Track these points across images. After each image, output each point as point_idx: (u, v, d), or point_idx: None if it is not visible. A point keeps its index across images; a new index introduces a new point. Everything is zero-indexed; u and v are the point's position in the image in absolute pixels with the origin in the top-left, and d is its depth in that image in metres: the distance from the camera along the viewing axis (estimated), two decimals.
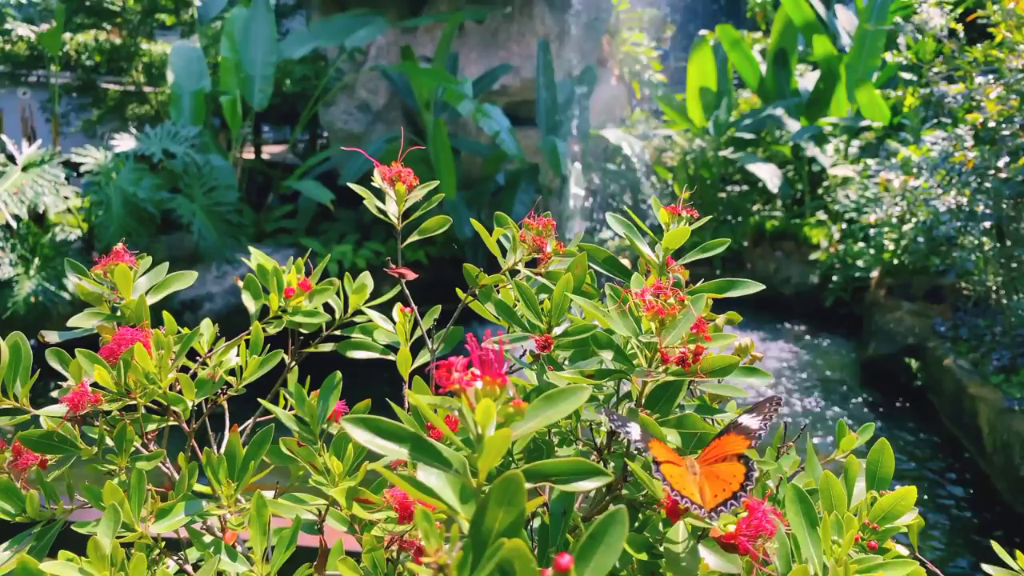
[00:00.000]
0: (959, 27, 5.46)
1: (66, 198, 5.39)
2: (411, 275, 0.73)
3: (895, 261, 5.74)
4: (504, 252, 0.69)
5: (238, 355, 0.68)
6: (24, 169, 5.13)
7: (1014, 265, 4.22)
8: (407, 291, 0.73)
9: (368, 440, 0.33)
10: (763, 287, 0.64)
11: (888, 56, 6.16)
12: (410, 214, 0.73)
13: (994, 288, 4.59)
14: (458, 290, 0.72)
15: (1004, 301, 4.43)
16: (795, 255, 7.16)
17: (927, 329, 5.21)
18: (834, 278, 6.55)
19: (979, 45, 4.36)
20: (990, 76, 4.17)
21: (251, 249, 0.70)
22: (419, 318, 0.73)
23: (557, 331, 0.60)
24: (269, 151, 8.87)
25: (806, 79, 8.33)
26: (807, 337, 6.47)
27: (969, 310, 5.05)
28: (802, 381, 5.43)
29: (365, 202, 0.69)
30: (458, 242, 6.53)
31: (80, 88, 7.38)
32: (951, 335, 4.94)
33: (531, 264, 0.68)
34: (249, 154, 7.91)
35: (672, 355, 0.51)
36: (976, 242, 4.45)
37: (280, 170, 7.31)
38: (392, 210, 0.70)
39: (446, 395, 0.33)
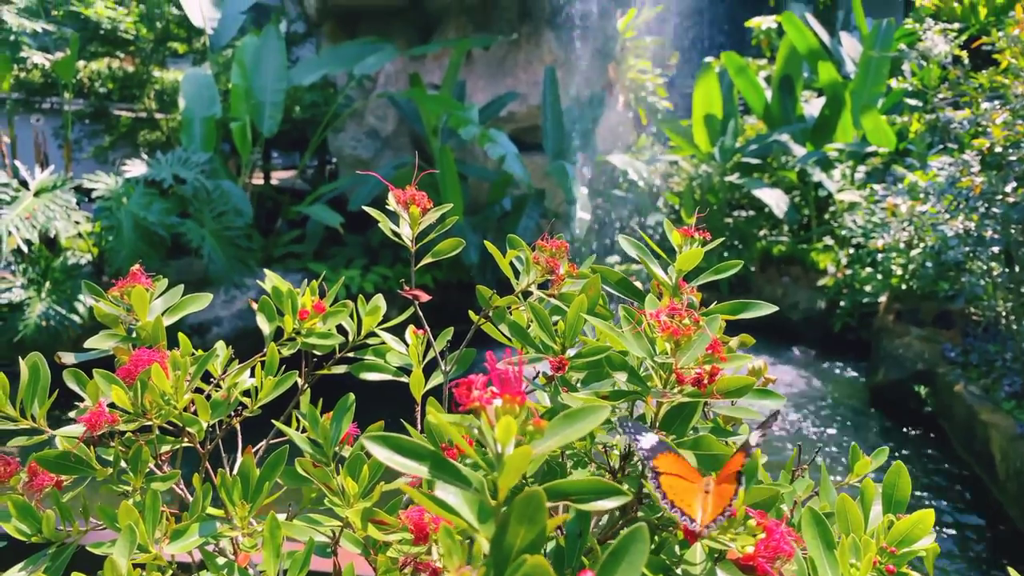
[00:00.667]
0: (964, 54, 5.50)
1: (77, 223, 5.44)
2: (425, 297, 0.73)
3: (903, 286, 5.72)
4: (517, 274, 0.69)
5: (252, 376, 0.68)
6: (36, 194, 5.18)
7: (1023, 289, 4.20)
8: (420, 313, 0.73)
9: (388, 458, 0.33)
10: (776, 308, 0.65)
11: (893, 82, 6.21)
12: (422, 237, 0.74)
13: (1004, 314, 4.57)
14: (471, 312, 0.72)
15: (1014, 327, 4.40)
16: (802, 280, 7.15)
17: (937, 355, 5.17)
18: (842, 303, 6.53)
19: (984, 71, 4.39)
20: (996, 102, 4.18)
21: (266, 272, 0.70)
22: (432, 340, 0.73)
23: (571, 353, 0.60)
24: (278, 176, 8.95)
25: (811, 105, 8.38)
26: (816, 363, 6.43)
27: (979, 336, 5.01)
28: (812, 407, 5.39)
29: (380, 225, 0.69)
30: (465, 266, 6.55)
31: (93, 115, 7.49)
32: (961, 361, 4.91)
33: (543, 286, 0.69)
34: (258, 180, 7.98)
35: (688, 376, 0.51)
36: (985, 267, 4.44)
37: (289, 195, 7.37)
38: (406, 233, 0.71)
39: (465, 413, 0.33)
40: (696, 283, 0.68)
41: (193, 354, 0.68)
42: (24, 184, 5.39)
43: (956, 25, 6.45)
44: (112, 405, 0.60)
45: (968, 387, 4.55)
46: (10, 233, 4.84)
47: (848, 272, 6.60)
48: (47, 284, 5.16)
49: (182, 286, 0.73)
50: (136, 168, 5.74)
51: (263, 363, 0.69)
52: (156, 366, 0.58)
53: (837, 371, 6.23)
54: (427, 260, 0.72)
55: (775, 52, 9.86)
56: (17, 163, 5.71)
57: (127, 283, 0.69)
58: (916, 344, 5.37)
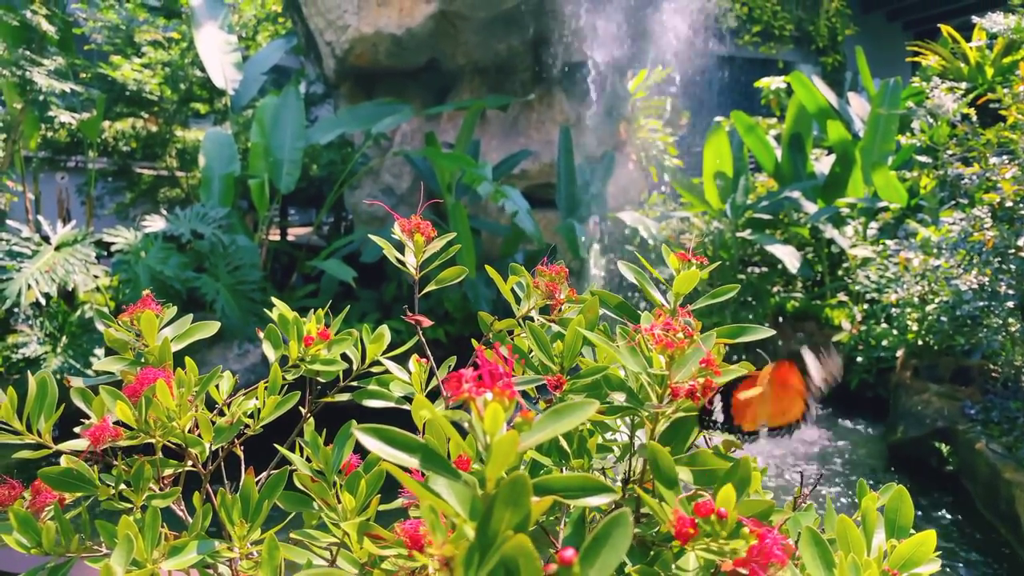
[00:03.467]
0: (971, 111, 5.57)
1: (96, 277, 5.53)
2: (427, 322, 0.74)
3: (919, 342, 5.66)
4: (518, 300, 0.70)
5: (256, 400, 0.69)
6: (57, 248, 5.29)
7: None
8: (423, 340, 0.74)
9: (379, 448, 0.34)
10: (772, 332, 0.65)
11: (902, 139, 6.27)
12: (427, 266, 0.75)
13: (1023, 369, 4.50)
14: (473, 340, 0.73)
15: None
16: (817, 336, 7.09)
17: (956, 412, 5.08)
18: (858, 359, 6.46)
19: (992, 128, 4.44)
20: (1004, 157, 4.22)
21: (274, 300, 0.72)
22: (435, 368, 0.74)
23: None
24: (295, 233, 9.09)
25: (822, 163, 8.46)
26: (833, 420, 6.32)
27: (999, 392, 4.92)
28: (829, 466, 5.27)
29: (385, 252, 0.71)
30: (477, 320, 6.56)
31: (116, 173, 7.69)
32: (982, 418, 4.81)
33: (545, 311, 0.70)
34: (275, 236, 8.11)
35: (682, 389, 0.52)
36: (1001, 322, 4.39)
37: (304, 251, 7.47)
38: (411, 261, 0.72)
39: (455, 408, 0.34)
40: (694, 307, 0.68)
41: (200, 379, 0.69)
42: (46, 239, 5.51)
43: (963, 85, 6.55)
44: (117, 422, 0.60)
45: (990, 445, 4.45)
46: (29, 287, 4.92)
47: (863, 328, 6.55)
48: (64, 338, 5.21)
49: (191, 315, 0.74)
50: (155, 223, 5.86)
51: (267, 387, 0.69)
52: (161, 382, 0.59)
53: (854, 428, 6.12)
54: (434, 286, 0.73)
55: (784, 111, 10.02)
56: (40, 218, 5.84)
57: (137, 308, 0.71)
58: (935, 401, 5.27)
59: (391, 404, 0.74)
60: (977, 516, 4.41)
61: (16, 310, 5.19)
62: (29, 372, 0.66)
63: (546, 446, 0.56)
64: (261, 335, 0.72)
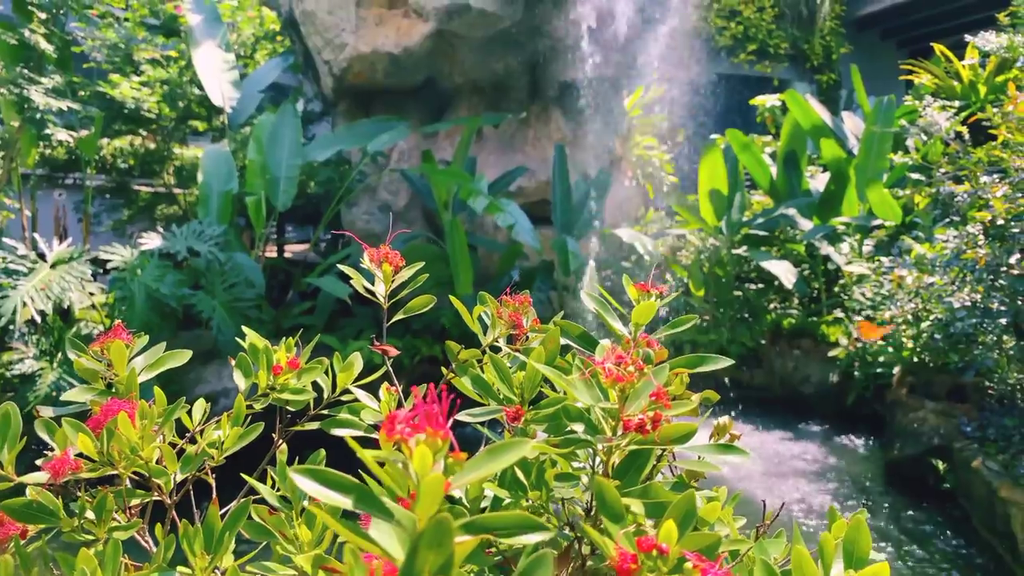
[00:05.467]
0: (964, 129, 5.61)
1: (92, 294, 5.53)
2: (394, 352, 0.75)
3: (915, 359, 5.66)
4: (485, 329, 0.71)
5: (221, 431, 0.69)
6: (53, 266, 5.29)
7: None
8: (391, 371, 0.75)
9: (314, 490, 0.34)
10: (731, 362, 0.65)
11: (896, 157, 6.30)
12: (398, 294, 0.76)
13: (1018, 387, 4.49)
14: (443, 368, 0.74)
15: None
16: (814, 353, 7.09)
17: (952, 429, 5.07)
18: (855, 375, 6.46)
19: (982, 146, 4.46)
20: (995, 175, 4.24)
21: (244, 329, 0.72)
22: (403, 398, 0.74)
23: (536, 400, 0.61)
24: (292, 250, 9.10)
25: (817, 180, 8.50)
26: (830, 437, 6.31)
27: (994, 409, 4.92)
28: (826, 484, 5.25)
29: (352, 281, 0.71)
30: (474, 337, 6.55)
31: (113, 190, 7.71)
32: (978, 435, 4.80)
33: (513, 339, 0.70)
34: (272, 252, 8.12)
35: (633, 422, 0.52)
36: (994, 339, 4.40)
37: (301, 268, 7.48)
38: (380, 290, 0.73)
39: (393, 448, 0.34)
40: (656, 336, 0.69)
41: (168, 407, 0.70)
42: (42, 256, 5.51)
43: (956, 103, 6.60)
44: (80, 454, 0.61)
45: (986, 463, 4.44)
46: (25, 304, 4.92)
47: (859, 345, 6.56)
48: (59, 355, 5.20)
49: (163, 343, 0.75)
50: (152, 241, 5.87)
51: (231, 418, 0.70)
52: (123, 415, 0.59)
53: (852, 445, 6.11)
54: (403, 315, 0.74)
55: (779, 129, 10.08)
56: (36, 236, 5.86)
57: (108, 338, 0.71)
58: (931, 418, 5.27)
59: (360, 432, 0.75)
60: (974, 534, 4.39)
61: (11, 327, 5.18)
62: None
63: (509, 478, 0.57)
64: (233, 363, 0.72)
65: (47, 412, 0.67)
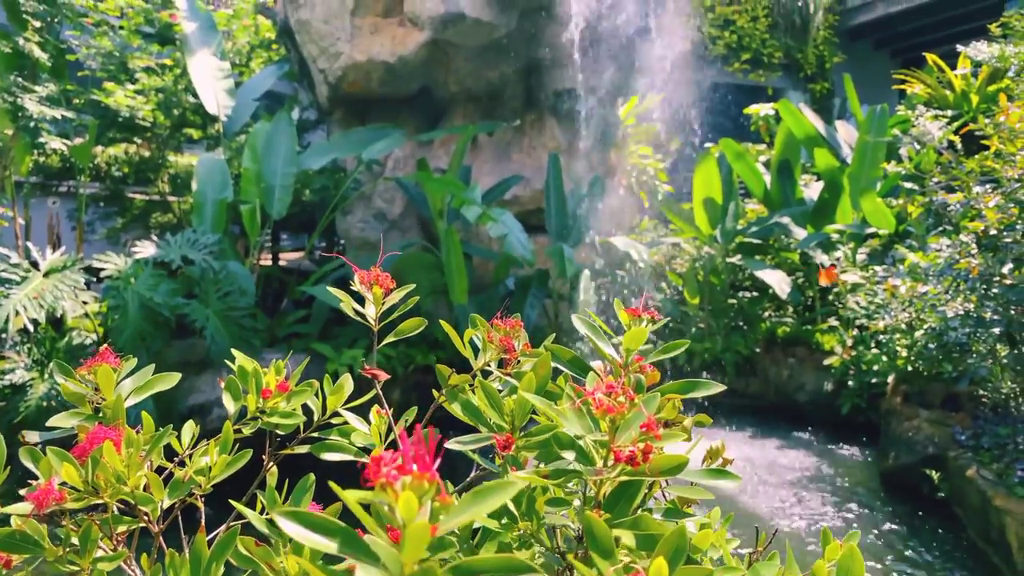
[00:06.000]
0: (957, 139, 5.64)
1: (85, 303, 5.50)
2: (384, 376, 0.74)
3: (909, 367, 5.67)
4: (476, 352, 0.71)
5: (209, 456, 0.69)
6: (46, 275, 5.27)
7: None
8: (380, 394, 0.74)
9: (298, 533, 0.34)
10: (723, 388, 0.65)
11: (889, 167, 6.33)
12: (390, 315, 0.75)
13: (1012, 396, 4.51)
14: (434, 391, 0.73)
15: (1023, 408, 4.33)
16: (808, 361, 7.10)
17: (947, 438, 5.07)
18: (849, 384, 6.47)
19: (975, 156, 4.48)
20: (987, 186, 4.26)
21: (234, 352, 0.72)
22: (392, 421, 0.74)
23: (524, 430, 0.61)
24: (287, 258, 9.09)
25: (811, 189, 8.53)
26: (825, 445, 6.31)
27: (988, 418, 4.93)
28: (822, 493, 5.25)
29: (342, 305, 0.71)
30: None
31: (107, 198, 7.69)
32: (972, 444, 4.81)
33: (505, 363, 0.70)
34: (267, 260, 8.11)
35: (624, 454, 0.51)
36: (988, 348, 4.41)
37: (296, 276, 7.47)
38: (370, 312, 0.72)
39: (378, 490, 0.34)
40: (648, 361, 0.68)
41: (158, 431, 0.69)
42: (35, 265, 5.49)
43: (948, 112, 6.64)
44: (65, 483, 0.60)
45: (980, 471, 4.44)
46: (17, 313, 4.89)
47: (854, 353, 6.57)
48: (50, 365, 5.17)
49: (152, 365, 0.74)
50: (146, 249, 5.85)
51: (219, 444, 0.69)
52: (108, 443, 0.59)
53: (846, 454, 6.11)
54: (394, 338, 0.73)
55: (773, 137, 10.12)
56: (29, 244, 5.83)
57: (95, 362, 0.70)
58: (925, 427, 5.27)
59: (350, 457, 0.74)
60: (969, 543, 4.39)
61: (3, 336, 5.15)
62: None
63: (499, 508, 0.56)
64: (222, 384, 0.71)
65: (33, 437, 0.67)
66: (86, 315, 5.77)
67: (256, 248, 6.76)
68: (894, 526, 4.72)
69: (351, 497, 0.34)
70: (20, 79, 5.60)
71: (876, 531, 4.62)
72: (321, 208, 7.42)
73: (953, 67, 8.52)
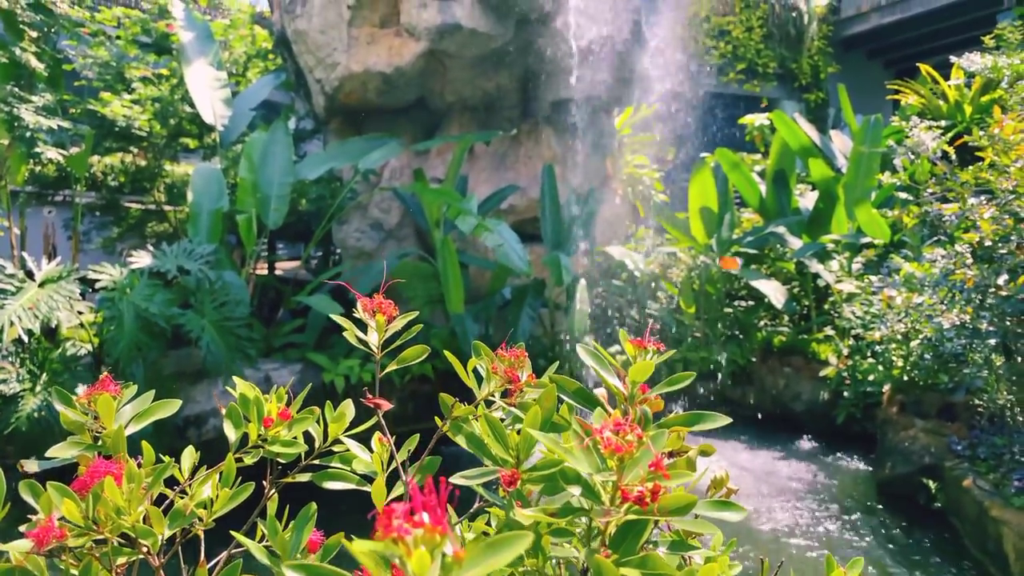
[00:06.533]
0: (951, 150, 5.67)
1: (80, 313, 5.48)
2: (387, 405, 0.73)
3: (905, 377, 5.68)
4: (480, 381, 0.70)
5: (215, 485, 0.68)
6: (41, 285, 5.24)
7: None
8: (383, 421, 0.74)
9: None
10: (729, 420, 0.65)
11: (883, 177, 6.35)
12: (394, 340, 0.75)
13: (1008, 406, 4.52)
14: (437, 419, 0.73)
15: (1019, 418, 4.34)
16: (804, 371, 7.11)
17: (943, 448, 5.08)
18: (845, 394, 6.47)
19: (969, 168, 4.51)
20: (982, 197, 4.28)
21: (236, 380, 0.71)
22: (394, 451, 0.73)
23: (530, 462, 0.60)
24: (283, 267, 9.07)
25: (806, 198, 8.56)
26: (821, 455, 6.30)
27: (984, 428, 4.94)
28: (819, 503, 5.24)
29: (345, 333, 0.71)
30: (466, 355, 6.54)
31: (103, 207, 7.67)
32: (968, 454, 4.81)
33: (509, 393, 0.69)
34: (263, 270, 8.09)
35: (632, 493, 0.51)
36: (984, 359, 4.42)
37: (292, 286, 7.45)
38: (373, 340, 0.72)
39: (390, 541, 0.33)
40: (653, 393, 0.68)
41: (159, 461, 0.68)
42: (30, 275, 5.46)
43: (942, 123, 6.68)
44: (65, 518, 0.59)
45: (977, 482, 4.45)
46: (12, 323, 4.87)
47: (849, 363, 6.58)
48: (44, 376, 5.15)
49: (152, 392, 0.74)
50: (142, 259, 5.83)
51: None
52: (109, 479, 0.58)
53: (843, 463, 6.10)
54: (396, 367, 0.73)
55: (768, 147, 10.16)
56: (25, 255, 5.81)
57: (96, 390, 0.70)
58: (922, 437, 5.28)
59: (352, 486, 0.73)
60: (966, 553, 4.39)
61: None
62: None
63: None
64: (223, 412, 0.71)
65: (31, 467, 0.66)
66: (81, 325, 5.74)
67: (252, 258, 6.75)
68: (891, 536, 4.71)
69: (362, 548, 0.34)
70: (16, 89, 5.59)
71: (873, 541, 4.61)
72: (317, 218, 7.42)
73: (946, 77, 8.58)
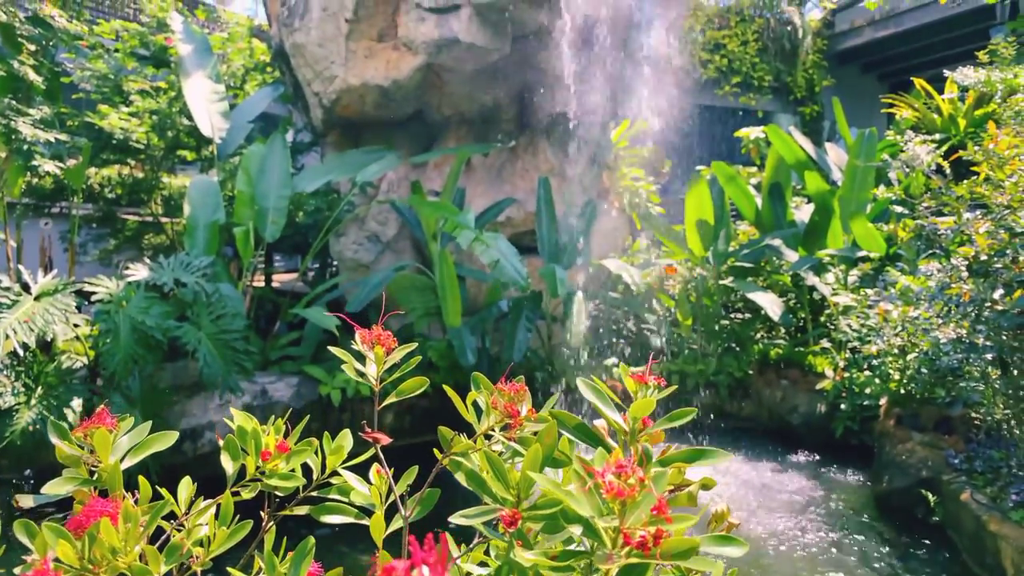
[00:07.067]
0: (945, 164, 5.70)
1: (76, 326, 5.46)
2: (385, 440, 0.73)
3: (901, 390, 5.68)
4: (479, 414, 0.70)
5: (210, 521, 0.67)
6: (37, 298, 5.23)
7: (1021, 393, 4.17)
8: (381, 455, 0.73)
9: None
10: (730, 456, 0.64)
11: (879, 191, 6.38)
12: (394, 370, 0.75)
13: (1004, 419, 4.52)
14: (435, 451, 0.72)
15: (1016, 431, 4.34)
16: (801, 383, 7.11)
17: (940, 461, 5.07)
18: (842, 406, 6.47)
19: (965, 182, 4.53)
20: (978, 211, 4.29)
21: (233, 411, 0.71)
22: (393, 484, 0.73)
23: (532, 493, 0.60)
24: (280, 279, 9.07)
25: (802, 211, 8.58)
26: (818, 468, 6.29)
27: (982, 441, 4.94)
28: (817, 517, 5.23)
29: (344, 367, 0.70)
30: (462, 368, 6.53)
31: (100, 219, 7.67)
32: (965, 468, 4.81)
33: (510, 426, 0.69)
34: (260, 282, 8.08)
35: (634, 538, 0.51)
36: (980, 373, 4.42)
37: (289, 298, 7.44)
38: (371, 372, 0.72)
39: None
40: (655, 428, 0.68)
41: (155, 497, 0.68)
42: (26, 287, 5.45)
43: (936, 136, 6.72)
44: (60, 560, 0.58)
45: (975, 495, 4.44)
46: (7, 337, 4.85)
47: (846, 375, 6.58)
48: (39, 389, 5.12)
49: (149, 423, 0.73)
50: (139, 272, 5.82)
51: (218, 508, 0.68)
52: (106, 520, 0.57)
53: (840, 477, 6.09)
54: (393, 398, 0.72)
55: (764, 159, 10.20)
56: (20, 267, 5.79)
57: (92, 423, 0.69)
58: (919, 450, 5.27)
59: (350, 519, 0.73)
60: (964, 568, 4.38)
61: None
62: None
63: None
64: (221, 443, 0.70)
65: (27, 502, 0.65)
66: (77, 338, 5.72)
67: (249, 270, 6.74)
68: (889, 550, 4.70)
69: None
70: (14, 102, 5.60)
71: (871, 556, 4.60)
72: (315, 230, 7.42)
73: (940, 91, 8.63)
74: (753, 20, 14.49)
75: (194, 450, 5.65)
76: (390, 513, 0.71)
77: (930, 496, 4.91)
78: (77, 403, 5.36)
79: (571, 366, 6.83)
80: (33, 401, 4.97)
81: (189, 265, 5.92)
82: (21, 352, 5.13)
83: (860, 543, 4.80)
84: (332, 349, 0.74)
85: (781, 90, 14.65)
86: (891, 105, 9.05)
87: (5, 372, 5.17)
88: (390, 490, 0.72)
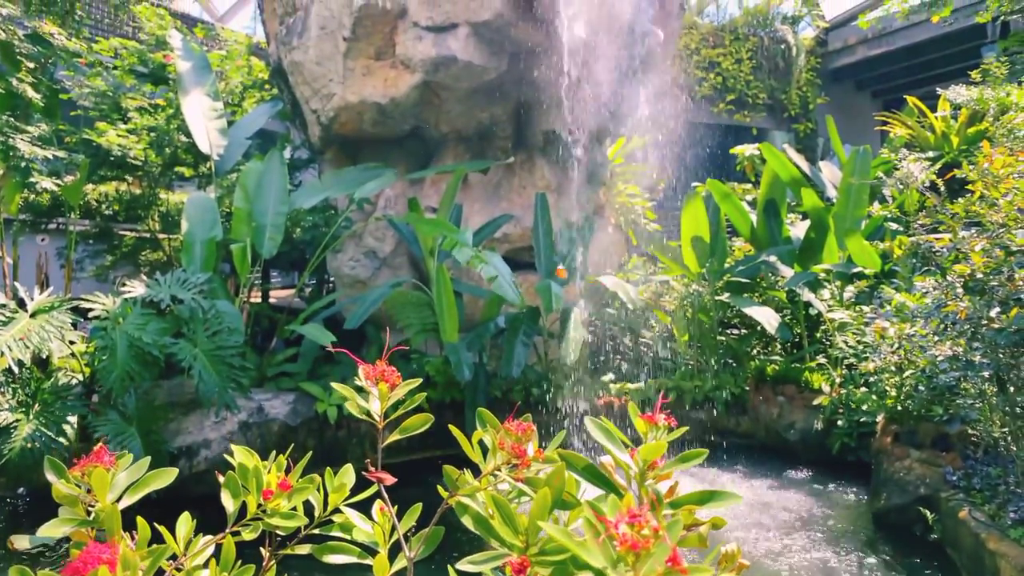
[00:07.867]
0: (940, 181, 5.73)
1: (72, 343, 5.43)
2: (390, 480, 0.72)
3: (899, 407, 5.67)
4: (485, 452, 0.69)
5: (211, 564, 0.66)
6: (33, 315, 5.21)
7: (1019, 410, 4.17)
8: (384, 493, 0.72)
9: None
10: (740, 499, 0.64)
11: (873, 208, 6.41)
12: (396, 410, 0.74)
13: (1002, 436, 4.51)
14: (439, 487, 0.71)
15: (1014, 448, 4.33)
16: (798, 400, 7.09)
17: (938, 479, 5.06)
18: (839, 423, 6.46)
19: (960, 200, 4.55)
20: (973, 229, 4.31)
21: (234, 448, 0.70)
22: (396, 522, 0.72)
23: (541, 540, 0.59)
24: (277, 296, 9.05)
25: (797, 228, 8.61)
26: (816, 485, 6.27)
27: (979, 458, 4.93)
28: (814, 534, 5.20)
29: (347, 404, 0.69)
30: (459, 385, 6.51)
31: (97, 235, 7.65)
32: (963, 485, 4.79)
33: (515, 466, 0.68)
34: (257, 298, 8.06)
35: None
36: (977, 391, 4.42)
37: (286, 314, 7.42)
38: (375, 408, 0.71)
39: None
40: (665, 469, 0.67)
41: (158, 532, 0.66)
42: (22, 304, 5.42)
43: (930, 154, 6.76)
44: None
45: (973, 513, 4.42)
46: (3, 354, 4.82)
47: (843, 392, 6.57)
48: (36, 406, 5.09)
49: (148, 459, 0.72)
50: (135, 289, 5.80)
51: (222, 549, 0.67)
52: (104, 569, 0.56)
53: (838, 494, 6.07)
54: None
55: (759, 176, 10.25)
56: (17, 284, 5.77)
57: (89, 462, 0.68)
58: (916, 467, 5.26)
59: (353, 559, 0.72)
60: None
61: None
62: None
63: None
64: (221, 479, 0.69)
65: (22, 543, 0.64)
66: (73, 355, 5.69)
67: (246, 286, 6.72)
68: (887, 569, 4.67)
69: None
70: (12, 119, 5.60)
71: (870, 574, 4.57)
72: (312, 246, 7.41)
73: (933, 108, 8.70)
74: (747, 39, 14.62)
75: (189, 468, 5.61)
76: (395, 548, 0.70)
77: (928, 514, 4.89)
78: (74, 420, 5.33)
79: (568, 383, 6.81)
80: (31, 417, 4.94)
81: (186, 281, 5.91)
82: (17, 369, 5.10)
83: (857, 561, 4.77)
84: (336, 386, 0.73)
85: (775, 108, 14.76)
86: (884, 123, 9.11)
87: (1, 389, 5.14)
88: (393, 528, 0.71)
